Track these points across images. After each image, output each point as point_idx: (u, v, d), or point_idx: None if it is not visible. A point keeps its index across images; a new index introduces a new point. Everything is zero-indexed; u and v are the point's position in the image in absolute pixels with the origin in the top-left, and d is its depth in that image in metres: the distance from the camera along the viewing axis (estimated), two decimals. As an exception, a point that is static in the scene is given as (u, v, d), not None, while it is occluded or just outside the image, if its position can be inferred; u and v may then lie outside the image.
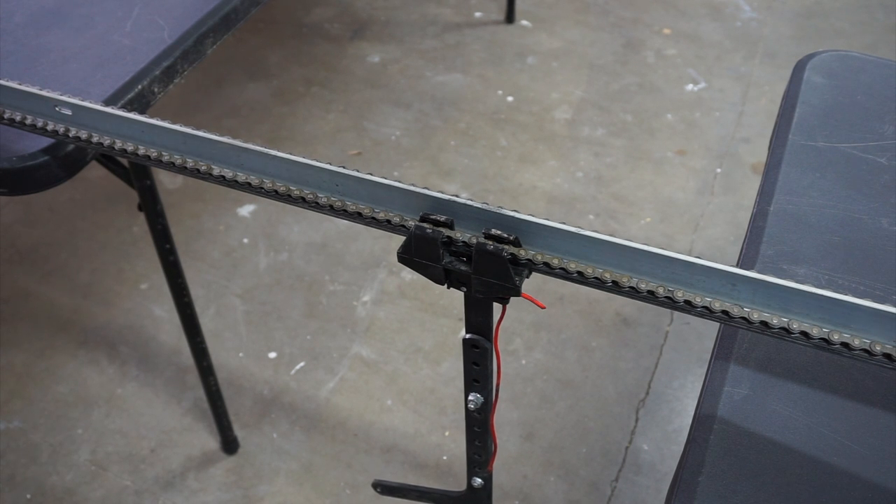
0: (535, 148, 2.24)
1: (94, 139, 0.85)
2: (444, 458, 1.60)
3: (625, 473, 1.57)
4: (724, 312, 0.65)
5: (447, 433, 1.64)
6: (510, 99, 2.40)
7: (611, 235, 0.67)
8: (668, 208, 2.07)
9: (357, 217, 0.76)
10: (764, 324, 0.64)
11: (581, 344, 1.78)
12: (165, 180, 2.17)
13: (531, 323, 1.82)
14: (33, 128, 0.89)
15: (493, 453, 0.92)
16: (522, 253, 0.70)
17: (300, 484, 1.57)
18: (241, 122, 2.34)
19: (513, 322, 1.81)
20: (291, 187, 0.78)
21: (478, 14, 2.74)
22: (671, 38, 2.63)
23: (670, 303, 0.67)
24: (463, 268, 0.71)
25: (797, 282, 0.63)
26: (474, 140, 2.27)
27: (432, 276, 0.74)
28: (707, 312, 0.66)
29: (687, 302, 0.66)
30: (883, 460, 0.71)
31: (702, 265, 0.65)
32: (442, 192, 0.72)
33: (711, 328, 1.75)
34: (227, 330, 1.82)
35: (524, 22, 2.70)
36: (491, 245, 0.69)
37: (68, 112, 0.86)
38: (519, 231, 0.70)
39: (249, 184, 0.79)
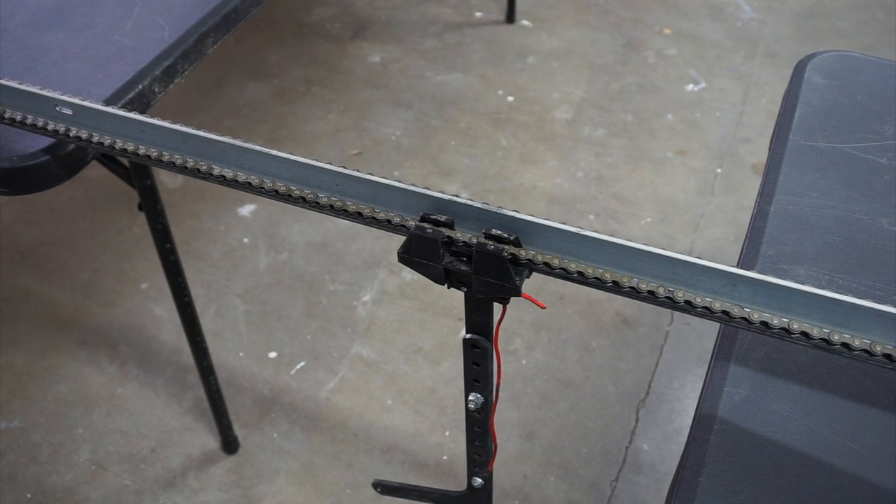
0: (536, 148, 2.24)
1: (95, 139, 0.85)
2: (445, 457, 1.60)
3: (625, 473, 1.57)
4: (725, 312, 0.65)
5: (447, 433, 1.64)
6: (511, 99, 2.40)
7: (611, 235, 0.67)
8: (669, 208, 2.07)
9: (357, 217, 0.76)
10: (764, 324, 0.64)
11: (581, 344, 1.78)
12: (166, 180, 2.17)
13: (531, 323, 1.82)
14: (34, 127, 0.88)
15: (493, 453, 0.92)
16: (523, 253, 0.70)
17: (300, 484, 1.57)
18: (242, 122, 2.34)
19: (513, 322, 1.81)
20: (292, 187, 0.78)
21: (478, 14, 2.74)
22: (672, 38, 2.63)
23: (671, 303, 0.67)
24: (463, 268, 0.71)
25: (797, 282, 0.63)
26: (475, 140, 2.27)
27: (432, 275, 0.74)
28: (707, 312, 0.66)
29: (687, 302, 0.66)
30: (883, 460, 0.71)
31: (702, 265, 0.65)
32: (442, 192, 0.72)
33: (712, 328, 1.75)
34: (227, 329, 1.82)
35: (524, 22, 2.70)
36: (491, 245, 0.69)
37: (69, 112, 0.86)
38: (519, 231, 0.70)
39: (250, 184, 0.79)
